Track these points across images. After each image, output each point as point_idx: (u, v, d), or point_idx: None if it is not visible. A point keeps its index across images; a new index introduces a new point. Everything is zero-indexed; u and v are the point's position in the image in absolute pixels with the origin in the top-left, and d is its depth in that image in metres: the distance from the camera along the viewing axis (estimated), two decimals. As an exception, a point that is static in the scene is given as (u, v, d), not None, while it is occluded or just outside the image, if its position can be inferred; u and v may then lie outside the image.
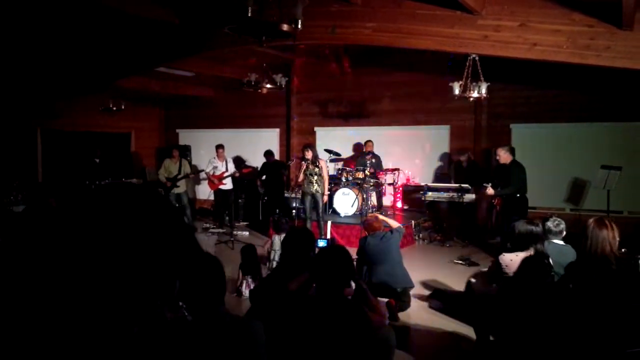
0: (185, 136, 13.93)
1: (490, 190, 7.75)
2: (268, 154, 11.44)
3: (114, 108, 11.34)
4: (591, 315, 3.23)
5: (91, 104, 11.28)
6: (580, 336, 3.26)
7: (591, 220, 3.47)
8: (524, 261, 4.00)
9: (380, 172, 10.45)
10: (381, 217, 6.39)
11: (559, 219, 4.86)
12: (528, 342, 3.78)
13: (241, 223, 11.39)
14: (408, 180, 11.01)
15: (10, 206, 8.76)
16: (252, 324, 2.46)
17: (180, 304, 3.32)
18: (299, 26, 3.83)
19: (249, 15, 3.55)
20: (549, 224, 4.78)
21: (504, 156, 7.83)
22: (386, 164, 10.83)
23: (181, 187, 10.76)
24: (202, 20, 7.20)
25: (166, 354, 2.38)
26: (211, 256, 2.62)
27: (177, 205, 10.96)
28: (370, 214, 7.63)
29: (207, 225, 11.23)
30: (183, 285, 2.44)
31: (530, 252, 4.02)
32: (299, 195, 9.46)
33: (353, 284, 3.74)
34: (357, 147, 11.59)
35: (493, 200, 8.20)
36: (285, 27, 3.80)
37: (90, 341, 1.08)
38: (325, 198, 8.93)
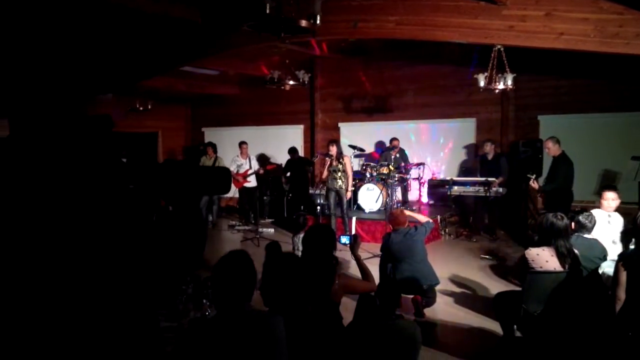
0: (211, 134, 14.04)
1: (534, 184, 7.55)
2: (292, 151, 11.45)
3: (141, 108, 11.54)
4: None
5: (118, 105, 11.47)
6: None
7: None
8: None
9: (408, 165, 10.37)
10: (408, 212, 6.28)
11: (591, 214, 4.75)
12: (556, 338, 3.72)
13: (266, 220, 11.45)
14: (434, 174, 10.90)
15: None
16: (272, 319, 2.46)
17: (204, 301, 3.35)
18: (318, 22, 3.82)
19: (267, 12, 3.56)
20: (581, 218, 4.68)
21: (553, 148, 7.48)
22: (411, 158, 10.75)
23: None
24: (224, 19, 7.24)
25: (186, 351, 2.41)
26: (242, 251, 2.60)
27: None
28: (396, 209, 7.54)
29: (233, 222, 11.33)
30: (213, 281, 2.46)
31: (554, 246, 3.93)
32: (323, 192, 9.46)
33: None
34: (381, 143, 11.52)
35: (538, 194, 7.99)
36: (303, 23, 3.80)
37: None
38: (349, 194, 8.89)
